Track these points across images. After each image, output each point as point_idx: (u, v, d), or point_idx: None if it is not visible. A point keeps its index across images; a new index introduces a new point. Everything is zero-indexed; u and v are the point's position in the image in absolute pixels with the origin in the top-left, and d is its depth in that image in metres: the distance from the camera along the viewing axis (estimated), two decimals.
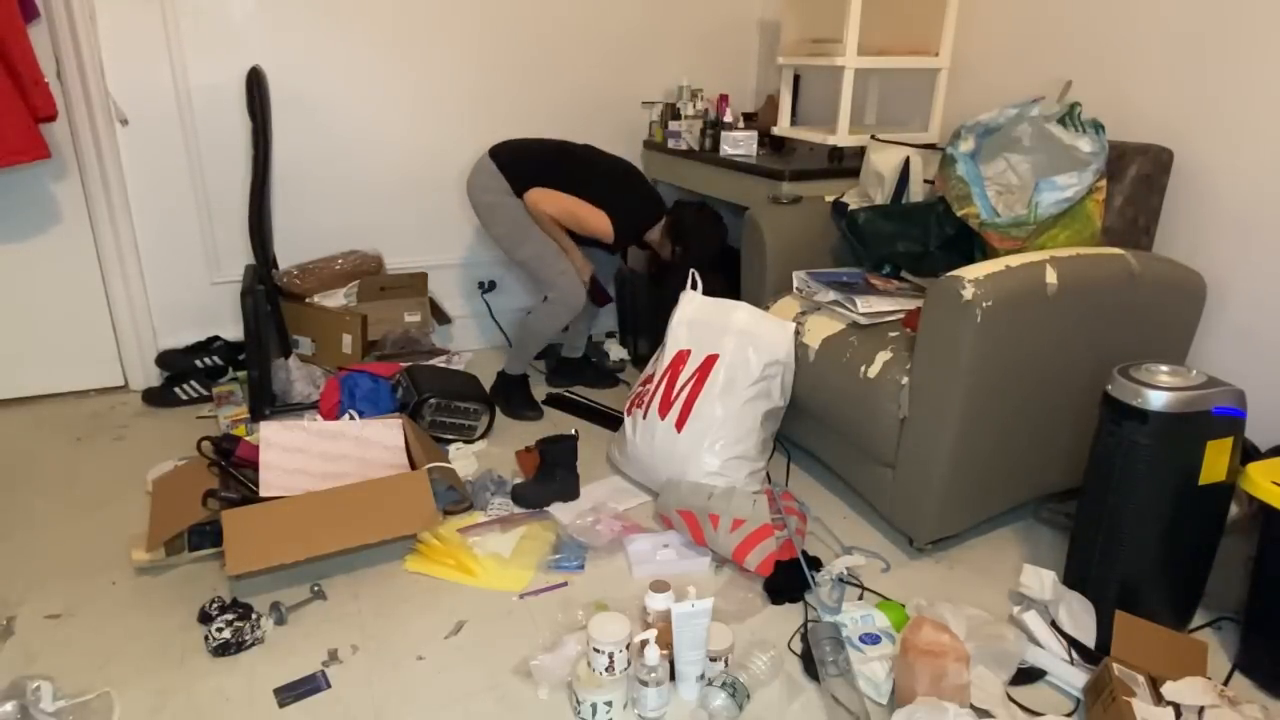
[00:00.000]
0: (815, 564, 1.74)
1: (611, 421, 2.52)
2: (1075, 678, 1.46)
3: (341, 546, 1.69)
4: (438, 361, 2.75)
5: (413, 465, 1.93)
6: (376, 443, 1.93)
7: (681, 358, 2.06)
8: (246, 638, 1.54)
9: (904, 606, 1.63)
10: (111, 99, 2.49)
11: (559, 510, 2.01)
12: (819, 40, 2.46)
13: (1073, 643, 1.53)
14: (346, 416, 2.10)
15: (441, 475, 1.91)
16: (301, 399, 2.53)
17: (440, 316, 2.99)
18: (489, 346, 3.19)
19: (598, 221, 2.41)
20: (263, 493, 1.76)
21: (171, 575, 1.76)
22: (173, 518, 1.75)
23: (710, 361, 2.01)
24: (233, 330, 2.80)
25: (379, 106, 2.80)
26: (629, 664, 1.40)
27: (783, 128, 2.73)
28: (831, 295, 2.01)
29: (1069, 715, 1.42)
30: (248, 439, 1.93)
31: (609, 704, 1.36)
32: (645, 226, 2.51)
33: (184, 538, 1.77)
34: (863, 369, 1.84)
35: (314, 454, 1.86)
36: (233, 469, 1.84)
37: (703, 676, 1.42)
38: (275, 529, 1.64)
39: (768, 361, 1.99)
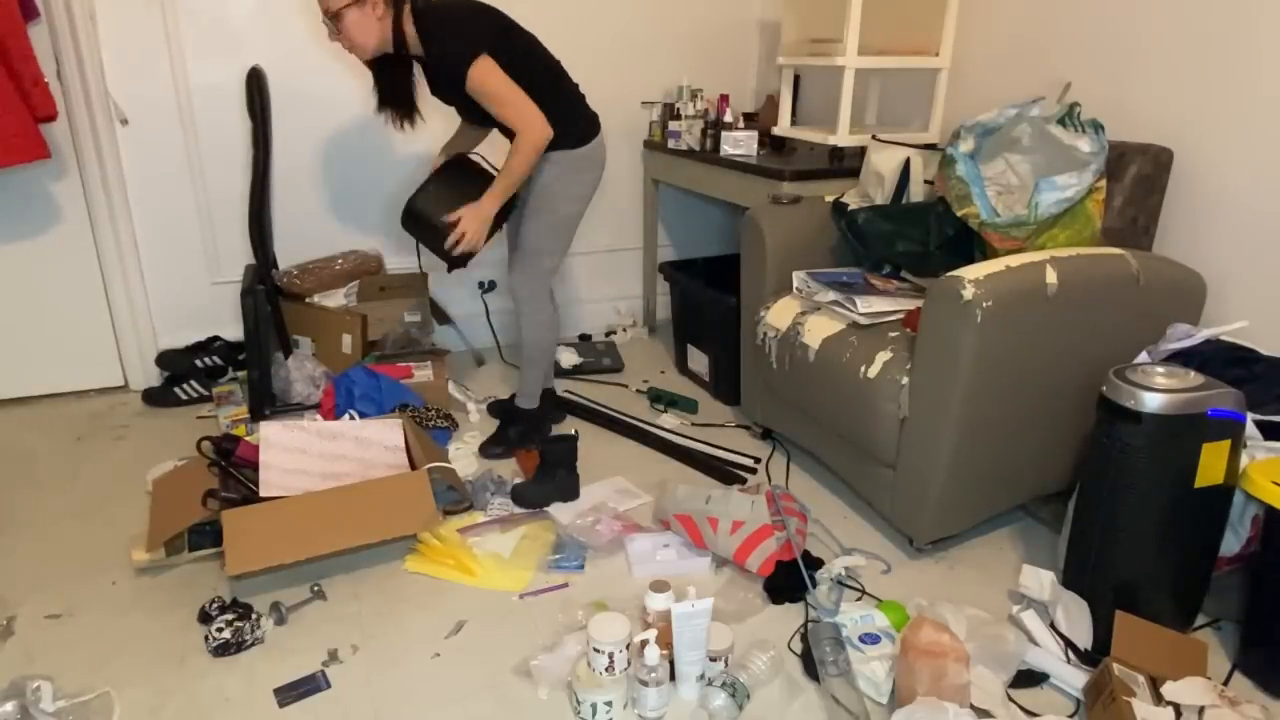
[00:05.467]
0: (816, 564, 1.75)
1: (611, 422, 2.52)
2: (1074, 678, 1.46)
3: (341, 547, 1.69)
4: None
5: (413, 465, 1.93)
6: (377, 443, 1.93)
7: None
8: (246, 638, 1.54)
9: (904, 606, 1.63)
10: (111, 99, 2.49)
11: (559, 510, 2.01)
12: (819, 40, 2.47)
13: (1069, 643, 1.53)
14: (346, 416, 2.10)
15: (441, 475, 1.91)
16: (301, 399, 2.53)
17: (440, 316, 2.99)
18: (489, 346, 3.19)
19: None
20: (263, 493, 1.76)
21: (171, 575, 1.76)
22: (173, 518, 1.75)
23: None
24: (233, 330, 2.80)
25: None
26: (629, 664, 1.40)
27: (783, 128, 2.73)
28: (831, 295, 2.01)
29: (1070, 716, 1.42)
30: (248, 439, 1.93)
31: (609, 704, 1.36)
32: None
33: (184, 538, 1.77)
34: (863, 369, 1.84)
35: (314, 454, 1.86)
36: (233, 469, 1.84)
37: (703, 676, 1.42)
38: (275, 529, 1.64)
39: None
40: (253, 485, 1.79)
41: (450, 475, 1.96)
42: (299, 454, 1.85)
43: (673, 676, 1.43)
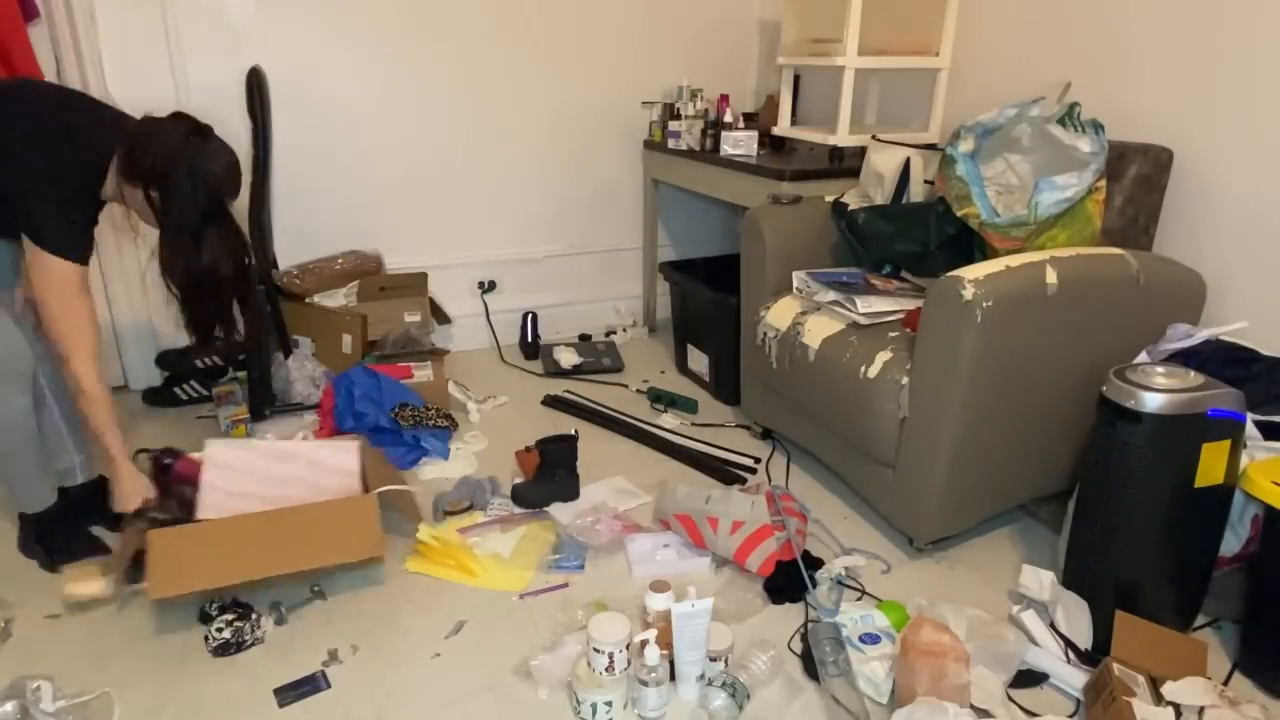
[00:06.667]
0: (816, 564, 1.75)
1: (611, 422, 2.52)
2: (1074, 678, 1.46)
3: (274, 572, 1.59)
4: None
5: (367, 490, 1.82)
6: (330, 466, 1.82)
7: None
8: (246, 638, 1.54)
9: (904, 606, 1.63)
10: (111, 99, 2.49)
11: (559, 510, 2.01)
12: (819, 40, 2.47)
13: (1069, 643, 1.53)
14: (300, 436, 1.99)
15: (395, 500, 1.83)
16: (301, 399, 2.53)
17: (440, 316, 2.99)
18: (489, 347, 3.19)
19: (58, 271, 1.53)
20: (200, 514, 1.68)
21: None
22: (122, 545, 1.67)
23: None
24: None
25: (379, 106, 2.80)
26: (629, 664, 1.40)
27: (783, 128, 2.73)
28: (831, 295, 2.01)
29: (1070, 716, 1.42)
30: (190, 456, 1.83)
31: (609, 704, 1.36)
32: (94, 195, 1.59)
33: (129, 568, 1.66)
34: (863, 369, 1.84)
35: (261, 476, 1.77)
36: (171, 484, 1.76)
37: (703, 676, 1.42)
38: (205, 551, 1.56)
39: None
40: (189, 506, 1.70)
41: (405, 500, 1.88)
42: (245, 475, 1.75)
43: (673, 676, 1.43)
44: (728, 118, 2.82)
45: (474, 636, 1.59)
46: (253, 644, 1.55)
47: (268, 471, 1.77)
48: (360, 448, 1.90)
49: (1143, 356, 1.75)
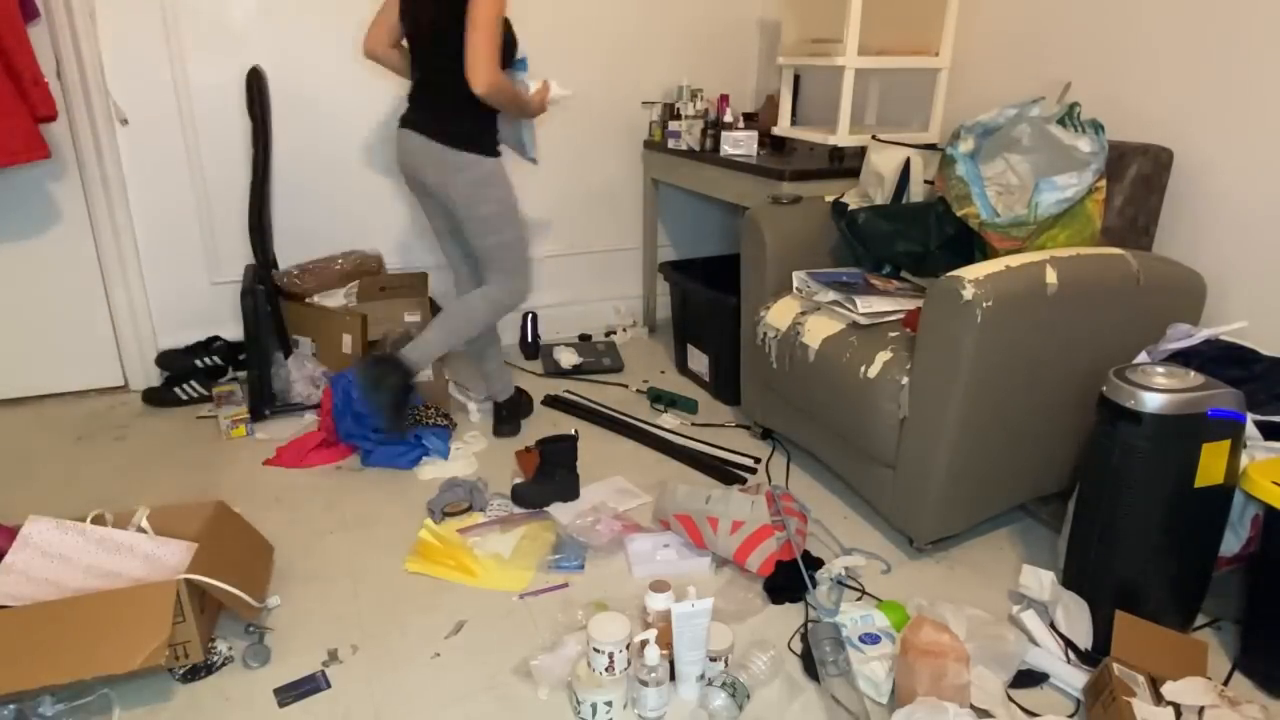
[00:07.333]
0: (816, 564, 1.75)
1: (611, 422, 2.52)
2: (1074, 678, 1.46)
3: (18, 687, 1.30)
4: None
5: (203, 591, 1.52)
6: (167, 565, 1.57)
7: None
8: (215, 659, 1.51)
9: (904, 606, 1.63)
10: (111, 99, 2.49)
11: (559, 510, 2.01)
12: (819, 40, 2.47)
13: (1069, 643, 1.53)
14: (134, 527, 1.66)
15: (228, 600, 1.52)
16: (301, 399, 2.53)
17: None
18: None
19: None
20: None
21: None
22: None
23: None
24: (233, 330, 2.80)
25: (379, 106, 2.80)
26: (629, 664, 1.40)
27: (783, 128, 2.73)
28: (831, 295, 2.01)
29: (1070, 716, 1.42)
30: (7, 526, 1.66)
31: (609, 704, 1.36)
32: None
33: None
34: (863, 369, 1.84)
35: (80, 566, 1.55)
36: None
37: (703, 676, 1.42)
38: None
39: None
40: None
41: (236, 602, 1.53)
42: (60, 562, 1.54)
43: (673, 676, 1.43)
44: (728, 118, 2.82)
45: (474, 636, 1.59)
46: (222, 664, 1.51)
47: (91, 562, 1.56)
48: (203, 551, 1.54)
49: (1143, 356, 1.75)
